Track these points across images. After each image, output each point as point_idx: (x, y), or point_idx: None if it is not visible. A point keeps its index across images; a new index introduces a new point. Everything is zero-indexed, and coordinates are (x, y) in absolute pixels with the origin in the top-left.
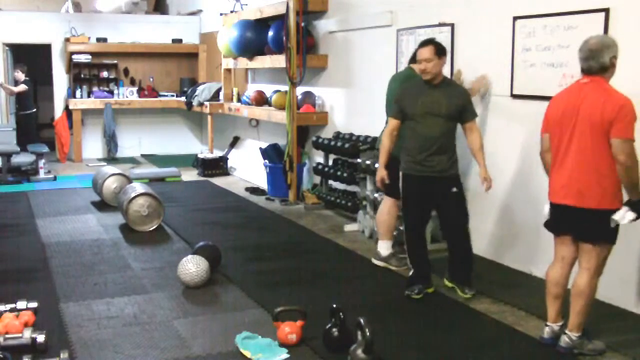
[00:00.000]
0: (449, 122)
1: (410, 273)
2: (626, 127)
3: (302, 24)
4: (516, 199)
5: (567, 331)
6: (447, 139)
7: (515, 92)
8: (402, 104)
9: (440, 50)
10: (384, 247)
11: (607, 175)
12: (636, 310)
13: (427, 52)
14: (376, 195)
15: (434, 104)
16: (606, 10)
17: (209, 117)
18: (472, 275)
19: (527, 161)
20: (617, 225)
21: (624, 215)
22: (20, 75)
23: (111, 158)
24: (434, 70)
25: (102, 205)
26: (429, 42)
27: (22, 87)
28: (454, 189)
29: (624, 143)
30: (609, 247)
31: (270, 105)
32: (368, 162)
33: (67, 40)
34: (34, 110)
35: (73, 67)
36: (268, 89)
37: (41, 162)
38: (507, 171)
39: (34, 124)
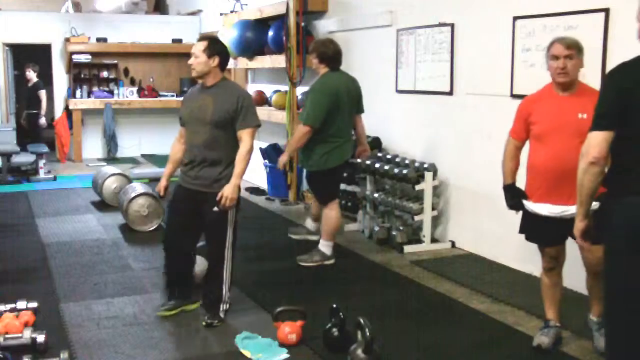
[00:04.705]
0: (217, 130)
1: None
2: None
3: (302, 24)
4: None
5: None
6: (214, 150)
7: (515, 92)
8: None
9: (211, 48)
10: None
11: None
12: None
13: (196, 47)
14: (375, 195)
15: (200, 109)
16: (606, 11)
17: None
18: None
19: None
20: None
21: None
22: (32, 75)
23: (111, 158)
24: (199, 69)
25: (102, 205)
26: (206, 37)
27: (43, 95)
28: (215, 209)
29: None
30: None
31: (270, 105)
32: (368, 162)
33: (67, 40)
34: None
35: (73, 67)
36: (268, 89)
37: (41, 162)
38: None
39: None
